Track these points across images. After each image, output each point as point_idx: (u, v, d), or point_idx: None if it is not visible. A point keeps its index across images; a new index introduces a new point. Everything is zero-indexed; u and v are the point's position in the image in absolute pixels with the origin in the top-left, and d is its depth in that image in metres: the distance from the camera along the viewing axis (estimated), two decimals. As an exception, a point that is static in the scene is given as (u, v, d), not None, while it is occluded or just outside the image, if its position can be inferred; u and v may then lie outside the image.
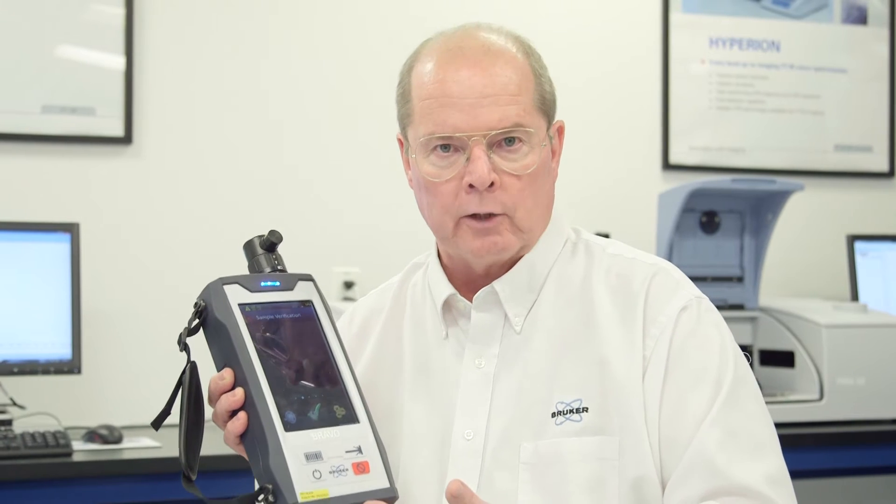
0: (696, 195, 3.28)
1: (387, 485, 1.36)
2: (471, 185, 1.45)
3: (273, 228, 1.48)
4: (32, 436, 2.74)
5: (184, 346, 1.41)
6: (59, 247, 3.02)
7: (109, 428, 2.92)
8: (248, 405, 1.34)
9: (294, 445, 1.32)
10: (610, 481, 1.43)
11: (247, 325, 1.38)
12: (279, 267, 1.46)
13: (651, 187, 3.73)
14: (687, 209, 3.30)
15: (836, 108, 4.03)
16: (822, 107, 4.01)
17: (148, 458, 2.77)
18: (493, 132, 1.45)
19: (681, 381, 1.44)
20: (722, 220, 3.41)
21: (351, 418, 1.38)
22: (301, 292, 1.44)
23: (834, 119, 4.02)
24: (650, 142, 3.86)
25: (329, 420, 1.37)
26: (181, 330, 1.40)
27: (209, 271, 3.33)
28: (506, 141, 1.47)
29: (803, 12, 4.00)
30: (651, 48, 3.86)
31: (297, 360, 1.40)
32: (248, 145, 3.42)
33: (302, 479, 1.31)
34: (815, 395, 3.22)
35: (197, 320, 1.40)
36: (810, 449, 3.11)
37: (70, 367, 2.98)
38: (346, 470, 1.33)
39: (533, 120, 1.49)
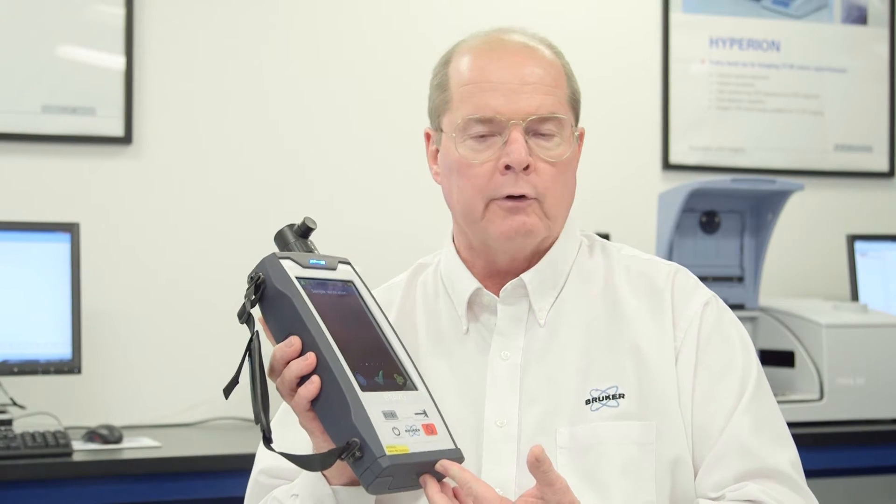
0: (696, 195, 3.28)
1: (454, 446, 1.41)
2: (507, 167, 1.51)
3: (308, 216, 1.52)
4: (32, 436, 2.74)
5: (247, 318, 1.43)
6: (59, 247, 3.02)
7: (109, 428, 2.92)
8: (321, 368, 1.37)
9: (372, 403, 1.35)
10: (647, 464, 1.49)
11: (307, 295, 1.41)
12: (315, 252, 1.51)
13: (651, 187, 3.73)
14: (687, 209, 3.30)
15: (836, 108, 4.03)
16: (822, 107, 4.01)
17: (148, 458, 2.77)
18: (532, 117, 1.52)
19: (710, 372, 1.53)
20: (722, 220, 3.41)
21: (411, 386, 1.43)
22: (343, 273, 1.49)
23: (834, 119, 4.02)
24: (650, 142, 3.86)
25: (393, 385, 1.41)
26: (243, 303, 1.42)
27: (209, 271, 3.36)
28: (540, 131, 1.53)
29: (803, 12, 4.00)
30: (651, 48, 3.86)
31: (352, 332, 1.43)
32: (249, 145, 3.42)
33: (385, 434, 1.34)
34: (815, 395, 3.22)
35: (256, 293, 1.42)
36: (810, 449, 3.10)
37: (70, 367, 2.98)
38: (418, 430, 1.38)
39: (566, 112, 1.56)
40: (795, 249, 3.93)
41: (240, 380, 1.45)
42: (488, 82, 1.53)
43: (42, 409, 3.05)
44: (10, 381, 3.02)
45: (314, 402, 1.38)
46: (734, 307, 3.33)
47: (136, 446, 2.88)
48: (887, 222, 4.04)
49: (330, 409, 1.37)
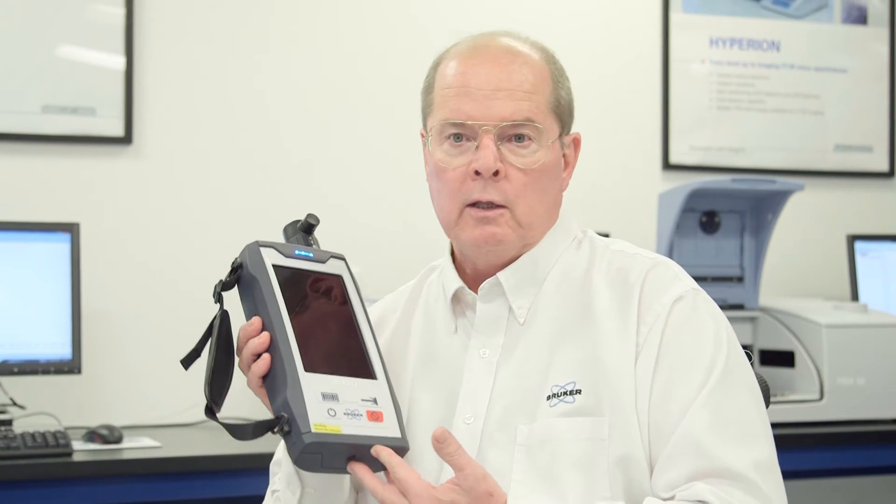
0: (696, 195, 3.28)
1: (398, 435, 1.44)
2: (476, 172, 1.52)
3: (311, 212, 1.58)
4: (32, 436, 2.74)
5: (218, 297, 1.50)
6: (59, 247, 3.02)
7: (109, 428, 2.92)
8: (273, 348, 1.43)
9: (312, 383, 1.40)
10: (600, 460, 1.47)
11: (278, 281, 1.46)
12: (314, 247, 1.56)
13: (651, 187, 3.73)
14: (687, 209, 3.30)
15: (836, 108, 4.03)
16: (822, 107, 4.01)
17: (148, 458, 2.77)
18: (504, 123, 1.52)
19: (671, 368, 1.48)
20: (722, 220, 3.41)
21: (369, 374, 1.48)
22: (332, 267, 1.54)
23: (834, 119, 4.02)
24: (650, 142, 3.86)
25: (348, 371, 1.46)
26: (215, 284, 1.49)
27: (209, 271, 3.34)
28: (516, 137, 1.53)
29: (803, 12, 4.00)
30: (651, 48, 3.86)
31: (324, 321, 1.49)
32: (249, 145, 3.42)
33: (316, 413, 1.38)
34: (815, 395, 3.22)
35: (231, 276, 1.49)
36: (810, 449, 3.11)
37: (70, 367, 2.98)
38: (361, 415, 1.42)
39: (545, 120, 1.55)
40: (795, 249, 3.93)
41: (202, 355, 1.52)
42: (465, 87, 1.53)
43: (42, 409, 3.05)
44: (10, 381, 3.02)
45: (266, 380, 1.45)
46: (734, 307, 3.37)
47: (136, 446, 2.88)
48: (887, 222, 4.04)
49: (275, 387, 1.42)
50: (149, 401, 3.26)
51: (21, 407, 3.01)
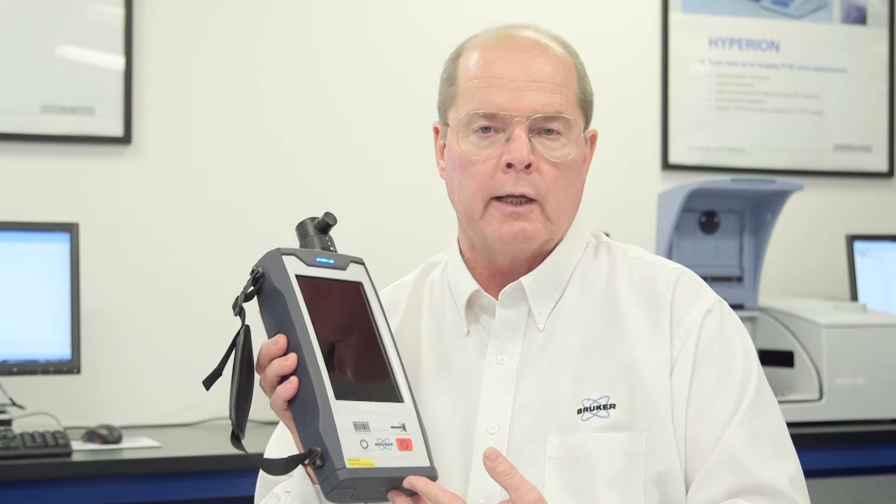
0: (695, 195, 3.28)
1: (428, 464, 1.39)
2: (508, 165, 1.48)
3: (328, 211, 1.51)
4: (32, 436, 2.74)
5: (239, 311, 1.42)
6: (58, 247, 3.01)
7: (109, 428, 2.92)
8: (300, 371, 1.37)
9: (343, 412, 1.34)
10: (636, 476, 1.45)
11: (303, 296, 1.39)
12: (331, 248, 1.49)
13: (651, 187, 3.73)
14: (686, 209, 3.30)
15: (835, 108, 4.03)
16: (821, 107, 4.01)
17: (147, 458, 2.77)
18: (536, 115, 1.49)
19: (707, 382, 1.48)
20: (721, 220, 3.41)
21: (396, 397, 1.42)
22: (352, 274, 1.47)
23: (834, 119, 4.02)
24: (650, 142, 3.86)
25: (376, 396, 1.40)
26: (237, 295, 1.42)
27: (209, 271, 3.36)
28: (546, 130, 1.50)
29: (803, 12, 4.00)
30: (651, 48, 3.86)
31: (347, 336, 1.43)
32: (248, 145, 3.42)
33: (350, 446, 1.33)
34: (815, 395, 3.22)
35: (253, 287, 1.41)
36: (810, 449, 3.10)
37: (69, 367, 2.98)
38: (391, 444, 1.36)
39: (574, 113, 1.52)
40: (795, 249, 3.93)
41: (223, 373, 1.46)
42: (495, 77, 1.50)
43: (41, 409, 3.05)
44: (9, 381, 3.02)
45: (292, 403, 1.38)
46: (734, 307, 3.33)
47: (136, 446, 2.88)
48: (887, 222, 4.04)
49: (303, 413, 1.36)
50: (148, 401, 3.26)
51: (20, 407, 3.00)
